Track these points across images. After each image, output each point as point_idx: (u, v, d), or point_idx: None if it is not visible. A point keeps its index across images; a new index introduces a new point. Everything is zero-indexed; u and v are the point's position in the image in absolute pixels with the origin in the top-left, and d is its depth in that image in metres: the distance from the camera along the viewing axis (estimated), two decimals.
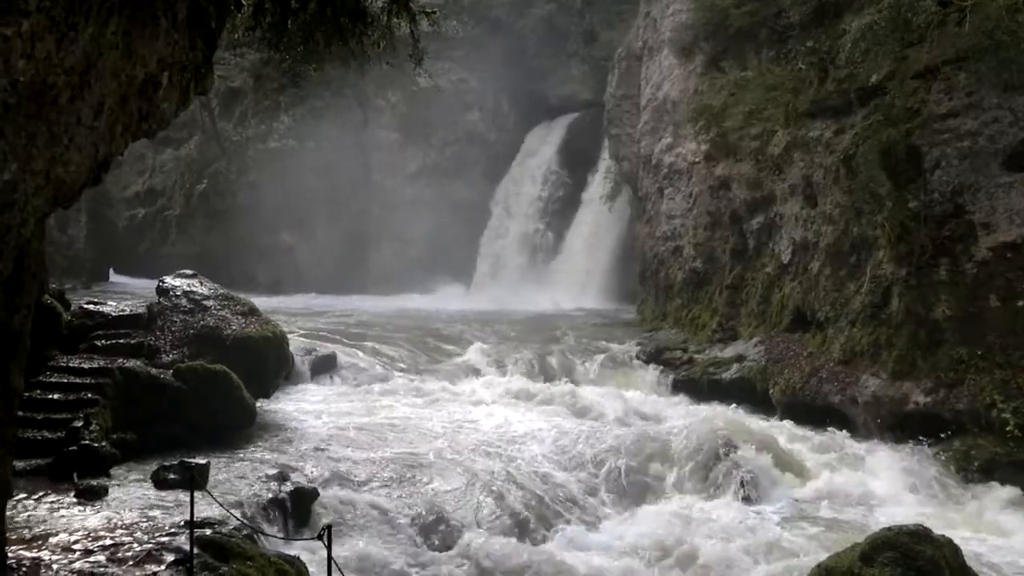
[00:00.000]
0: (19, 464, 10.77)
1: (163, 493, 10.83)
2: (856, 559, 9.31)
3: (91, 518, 9.62)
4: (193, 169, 42.76)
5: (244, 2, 9.38)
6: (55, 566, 8.13)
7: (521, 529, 11.81)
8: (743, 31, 23.23)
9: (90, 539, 8.89)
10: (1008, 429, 14.03)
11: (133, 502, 10.38)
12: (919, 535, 9.46)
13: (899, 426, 15.71)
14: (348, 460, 13.54)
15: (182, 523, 9.24)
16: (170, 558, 8.47)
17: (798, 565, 10.58)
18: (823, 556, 10.10)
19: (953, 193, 15.56)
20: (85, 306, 16.31)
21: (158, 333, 15.87)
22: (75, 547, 8.65)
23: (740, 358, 20.18)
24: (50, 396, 12.82)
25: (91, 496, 10.39)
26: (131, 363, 14.12)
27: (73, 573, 8.04)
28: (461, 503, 12.17)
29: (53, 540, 8.81)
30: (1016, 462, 13.84)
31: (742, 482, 13.92)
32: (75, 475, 11.00)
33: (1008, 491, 13.47)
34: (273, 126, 40.86)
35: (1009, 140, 15.10)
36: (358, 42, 9.71)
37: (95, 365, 13.87)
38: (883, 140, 16.26)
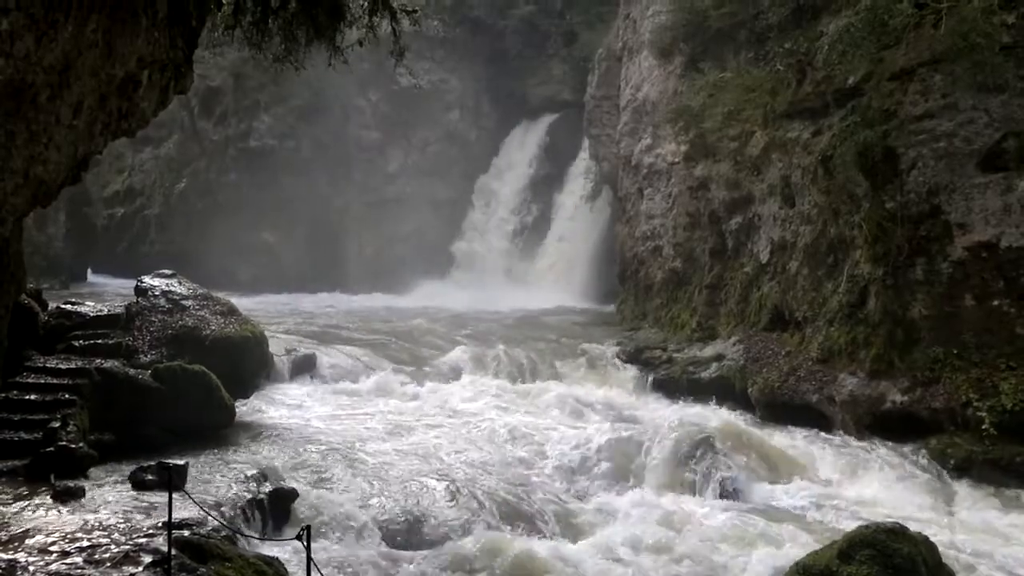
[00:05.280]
0: None
1: (141, 494, 10.77)
2: (834, 557, 9.39)
3: (68, 519, 9.56)
4: (173, 168, 42.56)
5: (224, 0, 9.36)
6: (31, 568, 8.08)
7: (503, 527, 11.81)
8: (722, 33, 23.35)
9: (67, 540, 8.83)
10: (984, 427, 14.17)
11: (111, 503, 10.31)
12: (896, 533, 9.55)
13: (876, 425, 15.84)
14: (327, 460, 13.52)
15: (160, 524, 9.20)
16: (148, 559, 8.43)
17: (776, 562, 10.65)
18: (801, 554, 10.18)
19: (929, 193, 15.71)
20: (63, 306, 16.18)
21: (136, 333, 15.77)
22: (52, 548, 8.60)
23: (719, 357, 20.27)
24: (27, 397, 12.72)
25: (68, 497, 10.32)
26: (109, 363, 14.03)
27: (49, 575, 8.00)
28: (441, 502, 12.18)
29: (29, 541, 8.75)
30: (992, 460, 13.98)
31: (721, 480, 14.01)
32: (52, 476, 10.92)
33: (984, 489, 13.61)
34: (253, 125, 40.73)
35: (984, 141, 15.26)
36: (337, 40, 9.71)
37: (73, 365, 13.77)
38: (860, 141, 16.39)
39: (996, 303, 15.03)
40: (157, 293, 16.88)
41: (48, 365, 13.75)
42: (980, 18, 14.43)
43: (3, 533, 8.99)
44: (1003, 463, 13.88)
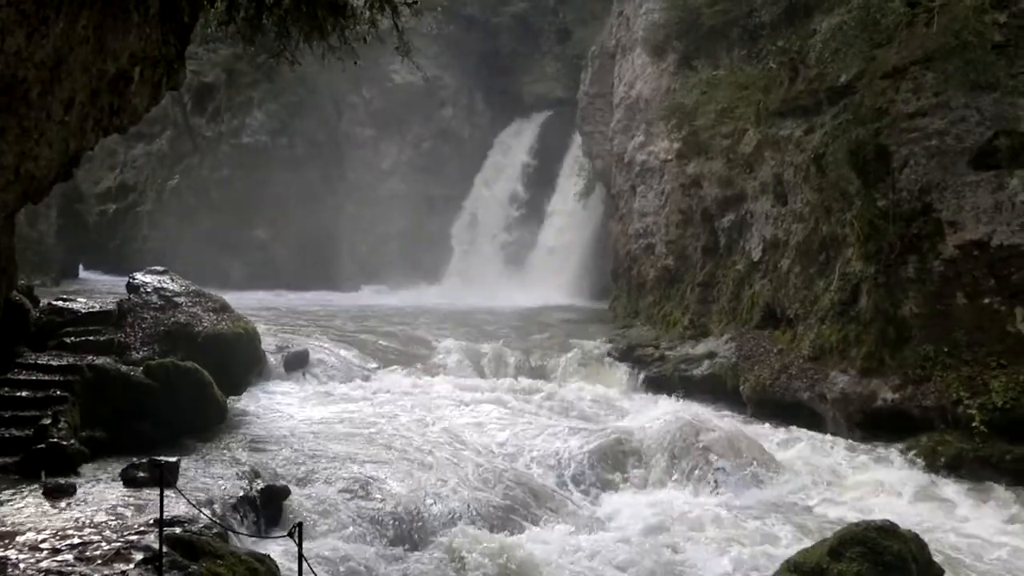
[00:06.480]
0: None
1: (132, 491, 10.73)
2: (824, 554, 9.43)
3: (59, 517, 9.54)
4: (165, 164, 42.40)
5: None
6: (22, 565, 8.06)
7: (495, 525, 11.82)
8: (715, 30, 23.38)
9: (58, 538, 8.81)
10: (974, 425, 14.25)
11: (102, 500, 10.28)
12: (886, 530, 9.60)
13: (867, 422, 15.90)
14: (320, 457, 13.50)
15: (152, 521, 9.18)
16: (139, 557, 8.41)
17: (767, 560, 10.69)
18: (792, 551, 10.22)
19: (921, 192, 15.77)
20: (54, 303, 16.13)
21: (128, 330, 15.74)
22: (43, 546, 8.57)
23: (711, 355, 20.32)
24: (18, 393, 12.68)
25: (59, 494, 10.28)
26: (101, 360, 13.98)
27: (40, 572, 7.97)
28: (433, 499, 12.18)
29: (20, 539, 8.72)
30: (982, 458, 14.06)
31: (712, 478, 14.04)
32: (43, 473, 10.88)
33: (974, 486, 13.67)
34: (246, 122, 40.61)
35: (976, 139, 15.32)
36: (338, 36, 9.69)
37: (64, 362, 13.72)
38: (852, 139, 16.44)
39: (987, 301, 15.10)
40: (149, 290, 16.85)
41: (39, 362, 13.70)
42: (972, 16, 14.50)
43: None
44: (993, 461, 13.96)
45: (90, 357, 14.05)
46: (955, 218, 15.42)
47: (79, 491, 10.52)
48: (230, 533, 9.83)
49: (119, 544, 8.71)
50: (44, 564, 8.13)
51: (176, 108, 40.53)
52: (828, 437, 16.13)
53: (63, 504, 10.03)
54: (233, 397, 15.92)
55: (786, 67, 19.26)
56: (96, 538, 8.86)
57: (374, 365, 21.55)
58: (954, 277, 15.39)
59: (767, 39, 20.99)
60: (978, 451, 14.12)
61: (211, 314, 16.51)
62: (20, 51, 5.62)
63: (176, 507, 9.55)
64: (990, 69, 14.92)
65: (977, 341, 15.06)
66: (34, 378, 13.18)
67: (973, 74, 15.03)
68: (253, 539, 10.20)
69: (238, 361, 16.22)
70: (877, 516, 10.78)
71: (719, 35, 23.39)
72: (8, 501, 10.01)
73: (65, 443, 11.54)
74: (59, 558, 8.30)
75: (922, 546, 9.72)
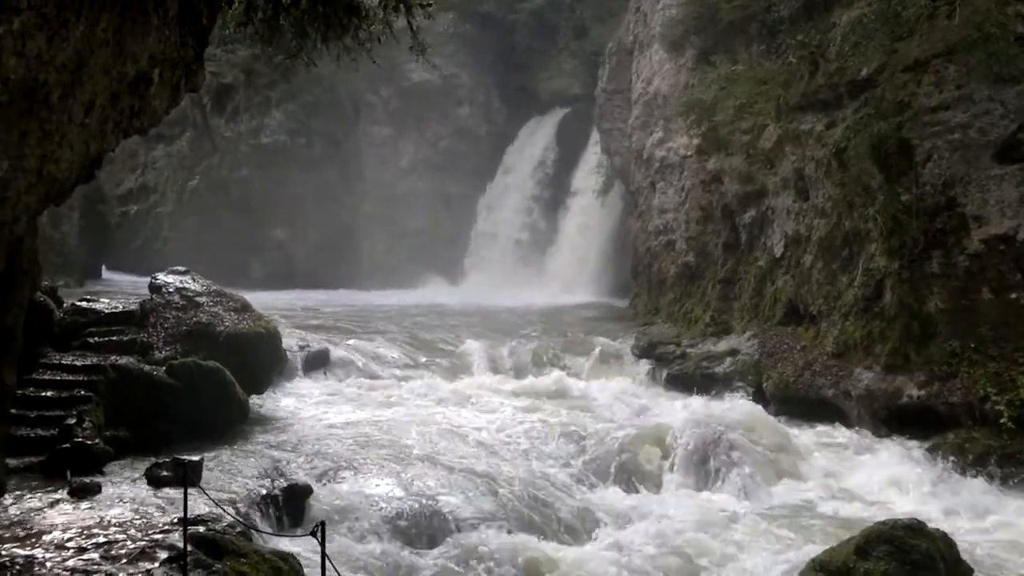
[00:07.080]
0: (12, 462, 10.75)
1: (157, 490, 10.80)
2: (851, 553, 9.35)
3: (84, 515, 9.60)
4: (185, 165, 42.65)
5: None
6: (48, 563, 8.12)
7: (516, 525, 11.79)
8: (733, 25, 23.28)
9: (84, 536, 8.87)
10: (1002, 421, 14.08)
11: (127, 499, 10.35)
12: (913, 529, 9.50)
13: (893, 419, 15.76)
14: (341, 456, 13.52)
15: (176, 520, 9.22)
16: (164, 555, 8.45)
17: (793, 559, 10.61)
18: (818, 550, 10.14)
19: (945, 186, 15.61)
20: (78, 303, 16.24)
21: (151, 330, 15.82)
22: (68, 545, 8.64)
23: (733, 352, 20.19)
24: (43, 393, 12.78)
25: (84, 493, 10.36)
26: (124, 360, 14.08)
27: (66, 571, 8.03)
28: (455, 499, 12.15)
29: (47, 538, 8.79)
30: (1010, 454, 13.89)
31: (737, 477, 13.95)
32: (68, 472, 10.96)
33: (1002, 483, 13.52)
34: (265, 122, 40.79)
35: (1000, 132, 15.15)
36: (353, 37, 9.70)
37: (88, 362, 13.82)
38: (874, 133, 16.30)
39: (1013, 296, 14.93)
40: (171, 290, 16.93)
41: (64, 362, 13.81)
42: (994, 8, 14.37)
43: (20, 529, 9.03)
44: (1021, 457, 13.79)
45: (113, 357, 14.16)
46: (980, 212, 15.25)
47: (104, 490, 10.60)
48: (253, 532, 9.87)
49: (144, 543, 8.77)
50: (70, 563, 8.19)
51: (195, 109, 40.74)
52: (853, 435, 15.99)
53: (88, 503, 10.10)
54: (255, 396, 15.98)
55: (806, 61, 19.13)
56: (121, 537, 8.92)
57: (394, 363, 21.57)
58: (979, 272, 15.22)
59: (786, 33, 20.87)
60: (1006, 448, 13.95)
61: (232, 314, 16.58)
62: (41, 54, 5.63)
63: (200, 506, 9.60)
64: (1013, 61, 14.75)
65: (1003, 336, 14.88)
66: (58, 378, 13.29)
67: (996, 66, 14.87)
68: (276, 537, 10.23)
69: (260, 360, 16.27)
70: (904, 514, 10.70)
71: (737, 30, 23.28)
72: (35, 500, 10.10)
73: (90, 442, 11.63)
74: (85, 557, 8.36)
75: (950, 545, 9.62)
